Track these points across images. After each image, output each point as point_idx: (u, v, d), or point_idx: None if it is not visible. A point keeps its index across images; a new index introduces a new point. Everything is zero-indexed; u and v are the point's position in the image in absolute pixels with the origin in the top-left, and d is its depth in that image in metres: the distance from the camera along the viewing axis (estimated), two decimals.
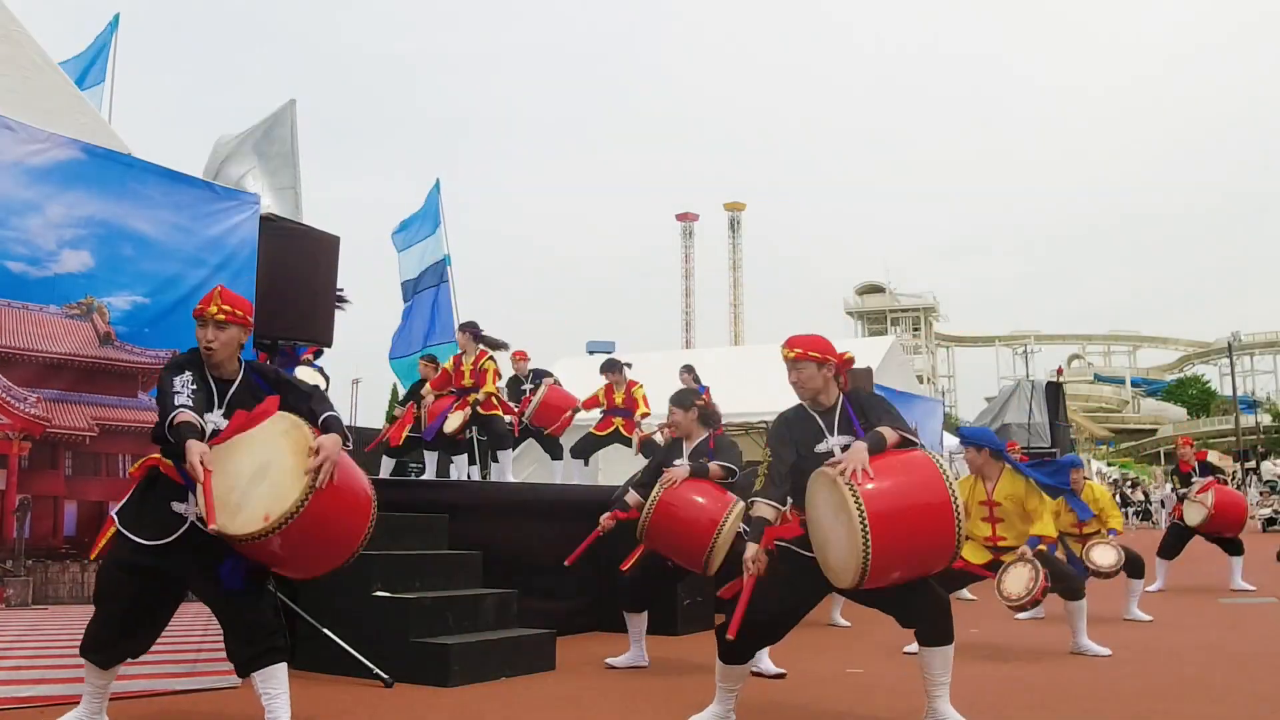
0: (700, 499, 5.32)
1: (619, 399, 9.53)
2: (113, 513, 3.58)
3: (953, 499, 3.53)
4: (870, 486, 3.48)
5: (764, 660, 5.14)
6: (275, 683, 3.49)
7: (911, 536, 3.51)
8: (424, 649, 4.92)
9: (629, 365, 9.86)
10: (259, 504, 3.27)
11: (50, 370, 4.40)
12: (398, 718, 4.26)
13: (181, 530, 3.49)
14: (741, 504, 5.37)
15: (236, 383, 3.69)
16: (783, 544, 3.86)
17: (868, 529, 3.40)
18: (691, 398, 5.83)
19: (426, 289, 12.17)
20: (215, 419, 3.57)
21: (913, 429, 3.93)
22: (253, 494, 3.30)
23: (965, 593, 9.47)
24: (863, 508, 3.43)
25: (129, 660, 3.67)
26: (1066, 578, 6.06)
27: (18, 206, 4.34)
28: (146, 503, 3.54)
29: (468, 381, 8.37)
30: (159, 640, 4.24)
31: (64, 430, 4.40)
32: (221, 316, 3.64)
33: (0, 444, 4.24)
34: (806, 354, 3.98)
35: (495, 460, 8.64)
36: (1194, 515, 9.65)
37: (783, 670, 5.18)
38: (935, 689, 3.82)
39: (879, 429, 3.76)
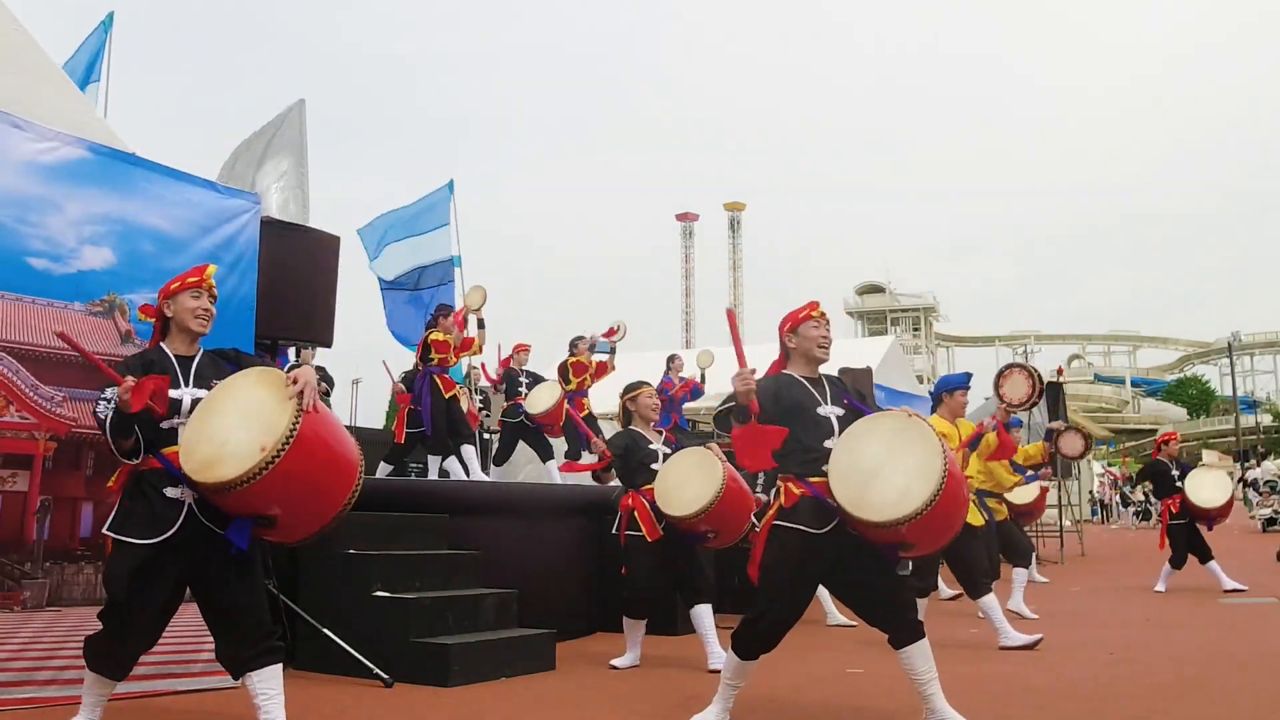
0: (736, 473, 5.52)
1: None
2: (105, 530, 3.44)
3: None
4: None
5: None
6: (273, 683, 3.44)
7: (953, 506, 3.63)
8: (424, 649, 4.92)
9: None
10: (252, 441, 3.16)
11: (77, 369, 4.38)
12: (398, 718, 4.26)
13: (181, 519, 3.36)
14: None
15: (198, 357, 3.63)
16: (783, 526, 3.81)
17: (945, 475, 3.50)
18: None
19: (429, 287, 12.01)
20: (191, 392, 3.49)
21: None
22: (242, 438, 3.20)
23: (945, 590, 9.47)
24: (946, 454, 3.56)
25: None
26: (975, 573, 6.27)
27: (35, 203, 4.34)
28: (137, 504, 3.41)
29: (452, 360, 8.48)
30: (162, 641, 4.24)
31: (89, 430, 4.38)
32: (215, 291, 3.71)
33: (26, 444, 4.22)
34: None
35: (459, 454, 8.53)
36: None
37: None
38: (925, 687, 3.82)
39: None
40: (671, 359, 11.51)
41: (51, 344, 4.28)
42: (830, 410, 3.95)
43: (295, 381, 3.27)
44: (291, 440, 3.14)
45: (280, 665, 3.50)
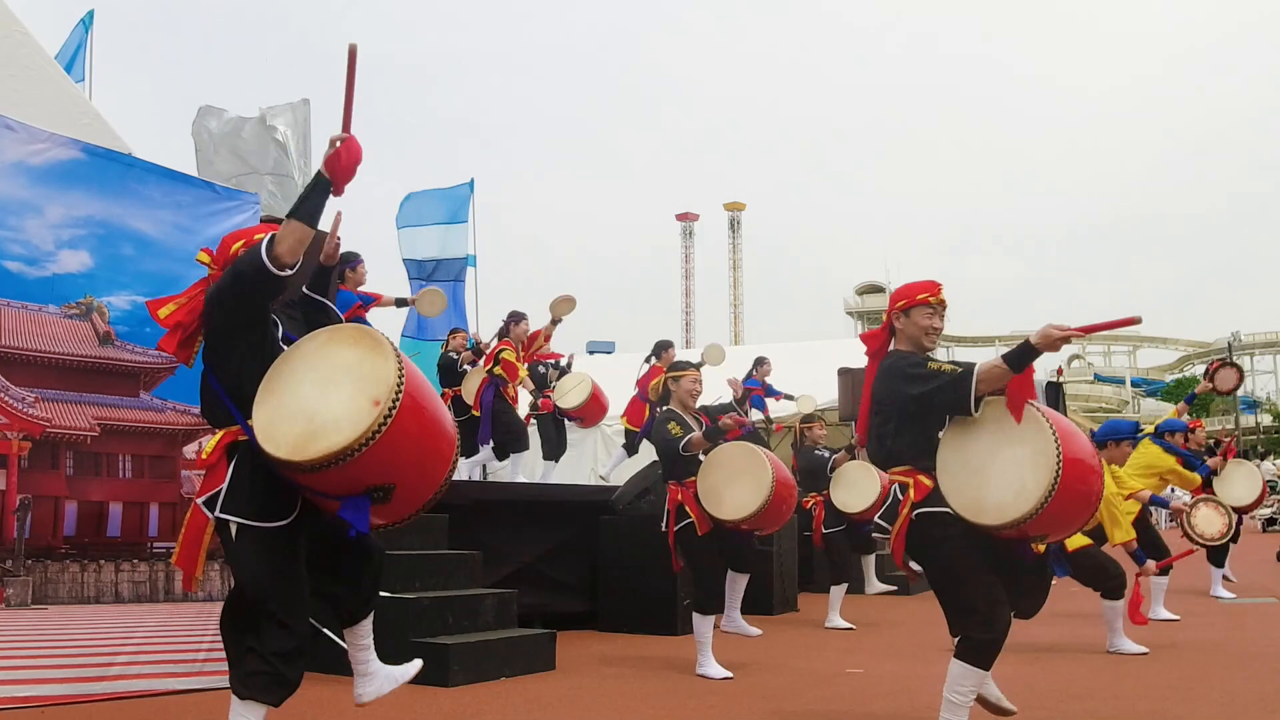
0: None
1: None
2: (215, 513, 2.95)
3: (1101, 489, 3.45)
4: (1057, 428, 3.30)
5: None
6: (368, 630, 3.39)
7: (1080, 485, 3.29)
8: (424, 649, 4.91)
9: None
10: (356, 401, 2.75)
11: (50, 370, 4.40)
12: (398, 718, 4.26)
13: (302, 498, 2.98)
14: None
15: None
16: (930, 512, 3.47)
17: (1060, 459, 3.19)
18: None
19: (443, 281, 11.88)
20: None
21: None
22: (338, 403, 2.79)
23: None
24: (1057, 435, 3.21)
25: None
26: (1110, 575, 6.05)
27: (15, 206, 4.35)
28: (255, 482, 2.94)
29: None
30: (158, 640, 4.23)
31: (64, 430, 4.40)
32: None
33: (0, 444, 4.23)
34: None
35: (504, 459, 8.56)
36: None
37: None
38: (957, 713, 3.49)
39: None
40: (760, 362, 11.14)
41: (24, 346, 4.30)
42: None
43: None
44: (402, 391, 2.75)
45: (371, 616, 3.41)
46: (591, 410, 9.20)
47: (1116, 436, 6.43)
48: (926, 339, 3.71)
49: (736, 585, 5.70)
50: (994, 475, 3.31)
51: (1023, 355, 3.35)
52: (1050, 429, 3.27)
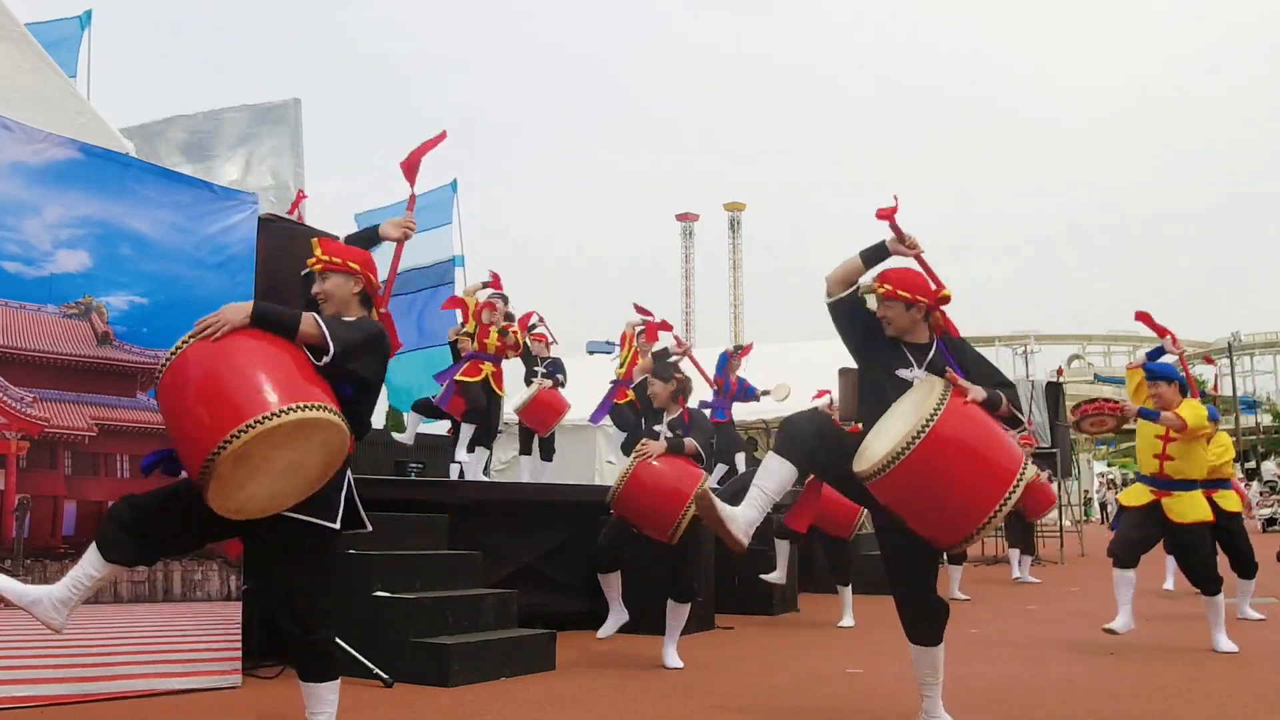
0: (672, 473, 5.51)
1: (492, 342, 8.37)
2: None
3: (1008, 494, 3.26)
4: (957, 412, 3.31)
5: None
6: (317, 705, 3.27)
7: (948, 480, 3.27)
8: (424, 649, 4.91)
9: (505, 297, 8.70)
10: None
11: (48, 370, 4.39)
12: (398, 718, 4.26)
13: None
14: (709, 478, 5.70)
15: None
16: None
17: (925, 432, 3.21)
18: (670, 371, 5.96)
19: (427, 288, 11.69)
20: None
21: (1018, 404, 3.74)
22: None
23: (959, 593, 9.44)
24: (935, 416, 3.24)
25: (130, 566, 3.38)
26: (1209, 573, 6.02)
27: (13, 207, 4.34)
28: None
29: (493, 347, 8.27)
30: (158, 640, 4.22)
31: (63, 430, 4.40)
32: (319, 266, 3.51)
33: None
34: (895, 293, 3.76)
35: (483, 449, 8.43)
36: None
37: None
38: (924, 689, 3.80)
39: (1001, 395, 3.56)
40: (735, 351, 11.00)
41: (23, 346, 4.30)
42: (917, 375, 3.68)
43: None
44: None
45: (328, 683, 3.29)
46: (536, 413, 9.05)
47: (1168, 376, 6.08)
48: (886, 328, 3.82)
49: (675, 614, 5.55)
50: (884, 429, 3.44)
51: (875, 252, 3.88)
52: (939, 401, 3.30)
